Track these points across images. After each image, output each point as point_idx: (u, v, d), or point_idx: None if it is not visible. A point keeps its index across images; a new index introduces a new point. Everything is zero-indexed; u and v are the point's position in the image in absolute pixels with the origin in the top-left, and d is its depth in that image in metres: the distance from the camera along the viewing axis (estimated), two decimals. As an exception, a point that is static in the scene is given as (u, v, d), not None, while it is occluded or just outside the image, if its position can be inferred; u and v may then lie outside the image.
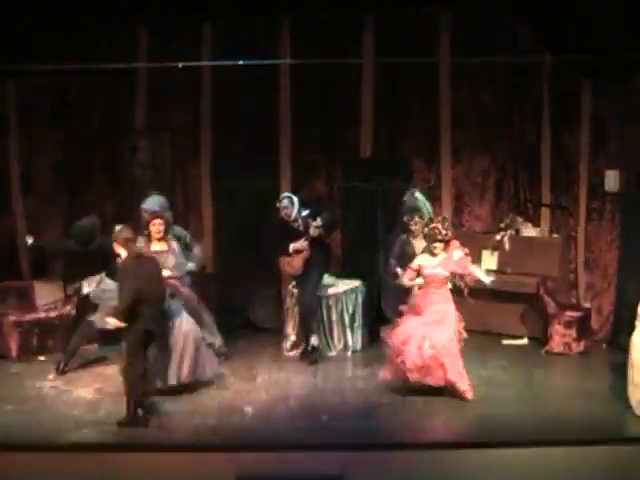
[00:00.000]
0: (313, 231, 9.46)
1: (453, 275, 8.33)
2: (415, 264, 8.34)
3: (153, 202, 8.91)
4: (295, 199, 9.63)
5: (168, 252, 8.69)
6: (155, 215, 8.71)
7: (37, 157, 11.06)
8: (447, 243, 8.29)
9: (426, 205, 9.28)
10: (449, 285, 8.35)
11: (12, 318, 9.73)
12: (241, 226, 10.96)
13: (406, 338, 8.10)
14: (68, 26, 10.18)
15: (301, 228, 9.56)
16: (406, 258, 8.78)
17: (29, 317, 9.84)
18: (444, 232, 8.26)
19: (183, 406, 7.88)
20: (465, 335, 8.24)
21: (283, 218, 9.59)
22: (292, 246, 9.51)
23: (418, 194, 9.32)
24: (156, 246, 8.68)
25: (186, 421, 7.46)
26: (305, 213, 9.59)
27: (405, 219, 9.19)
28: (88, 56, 10.13)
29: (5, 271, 10.42)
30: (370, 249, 10.52)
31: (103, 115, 11.09)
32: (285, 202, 9.58)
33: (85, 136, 11.03)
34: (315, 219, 9.48)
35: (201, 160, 11.25)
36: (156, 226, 8.66)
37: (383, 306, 10.00)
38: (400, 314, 8.63)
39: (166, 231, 8.80)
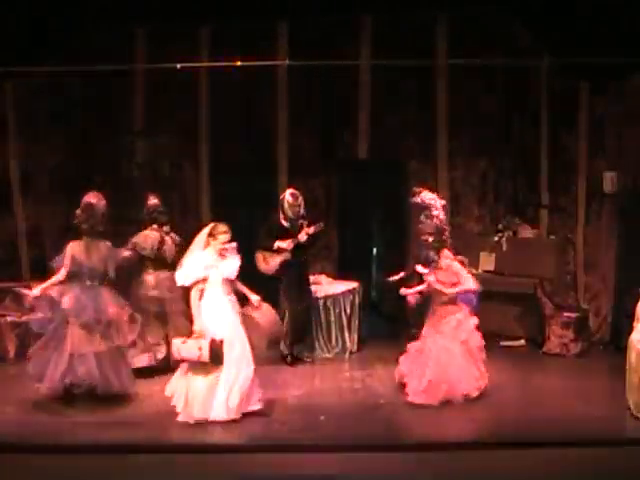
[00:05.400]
0: (302, 237, 9.27)
1: None
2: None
3: None
4: (301, 199, 9.38)
5: None
6: None
7: (36, 158, 11.07)
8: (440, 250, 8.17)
9: (436, 202, 8.70)
10: None
11: (9, 319, 9.73)
12: (239, 227, 10.95)
13: None
14: (67, 28, 10.21)
15: (294, 229, 9.31)
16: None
17: (27, 319, 9.82)
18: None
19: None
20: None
21: (282, 215, 9.31)
22: (277, 243, 9.30)
23: (425, 193, 8.86)
24: None
25: (185, 422, 7.44)
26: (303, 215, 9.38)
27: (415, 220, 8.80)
28: (87, 58, 10.14)
29: (3, 272, 10.43)
30: (366, 250, 10.54)
31: (102, 116, 11.11)
32: (300, 199, 9.30)
33: (84, 137, 11.05)
34: (309, 226, 9.30)
35: (199, 161, 11.27)
36: None
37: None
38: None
39: None
